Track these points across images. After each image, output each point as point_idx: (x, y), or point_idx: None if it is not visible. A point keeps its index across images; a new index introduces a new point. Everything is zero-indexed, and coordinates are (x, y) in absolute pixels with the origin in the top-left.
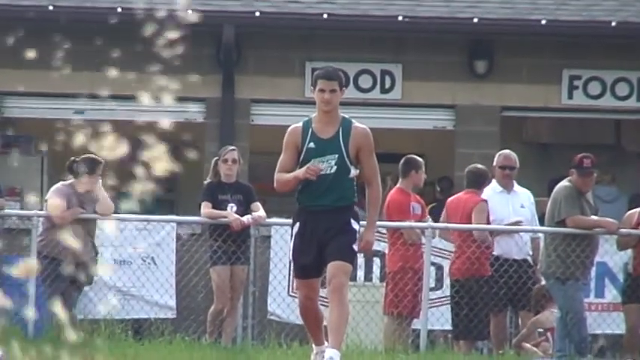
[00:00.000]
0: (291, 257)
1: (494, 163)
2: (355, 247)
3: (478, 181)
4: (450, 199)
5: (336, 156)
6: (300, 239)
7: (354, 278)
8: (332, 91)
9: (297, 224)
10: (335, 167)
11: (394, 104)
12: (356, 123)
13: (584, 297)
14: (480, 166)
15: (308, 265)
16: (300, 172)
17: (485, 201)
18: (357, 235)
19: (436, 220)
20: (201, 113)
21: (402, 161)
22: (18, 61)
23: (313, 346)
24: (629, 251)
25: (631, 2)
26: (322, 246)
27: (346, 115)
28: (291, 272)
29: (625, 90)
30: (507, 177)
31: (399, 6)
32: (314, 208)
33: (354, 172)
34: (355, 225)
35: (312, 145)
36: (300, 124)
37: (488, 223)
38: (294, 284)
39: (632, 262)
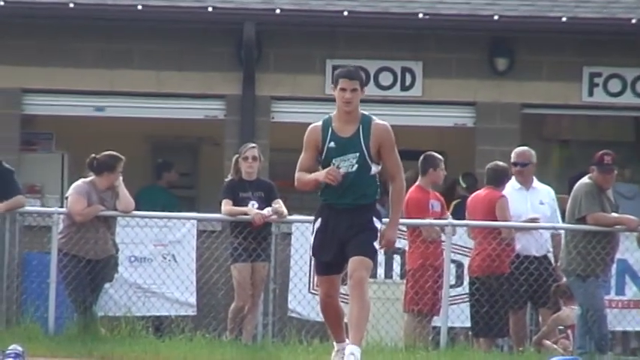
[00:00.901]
0: (311, 253)
1: (511, 160)
2: (376, 244)
3: (498, 178)
4: (470, 197)
5: (357, 154)
6: (322, 235)
7: (374, 275)
8: (353, 90)
9: (319, 220)
10: (356, 165)
11: (414, 101)
12: (376, 120)
13: (604, 294)
14: (500, 163)
15: (329, 262)
16: (320, 175)
17: (505, 196)
18: (379, 233)
19: (462, 217)
20: (221, 110)
21: (421, 158)
22: (39, 58)
23: (334, 343)
24: None
25: None
26: (343, 243)
27: (366, 112)
28: (312, 269)
29: None
30: (520, 173)
31: (419, 3)
32: (336, 206)
33: (375, 169)
34: (377, 223)
35: (332, 144)
36: (320, 122)
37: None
38: (315, 281)
39: None
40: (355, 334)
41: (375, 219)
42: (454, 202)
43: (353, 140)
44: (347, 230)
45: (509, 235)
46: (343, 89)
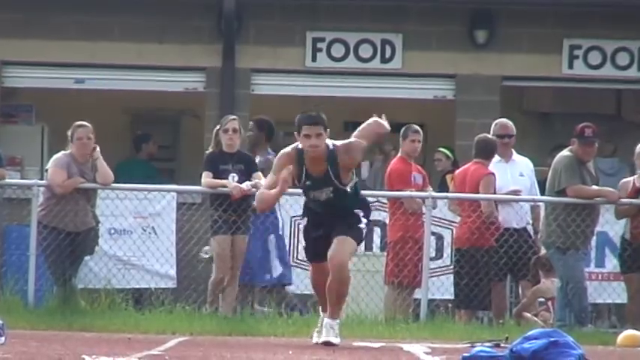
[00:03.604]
0: (304, 243)
1: (491, 133)
2: (363, 225)
3: (487, 151)
4: (458, 170)
5: (331, 188)
6: (310, 228)
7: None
8: (318, 135)
9: (306, 219)
10: (332, 194)
11: (394, 74)
12: (339, 150)
13: (584, 266)
14: (489, 135)
15: (319, 245)
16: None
17: (493, 174)
18: (365, 225)
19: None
20: (201, 83)
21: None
22: (19, 30)
23: (321, 312)
24: (624, 220)
25: None
26: (330, 228)
27: (329, 144)
28: (292, 241)
29: (626, 60)
30: (505, 146)
31: None
32: (318, 212)
33: (352, 184)
34: (363, 218)
35: (309, 182)
36: (294, 156)
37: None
38: (294, 253)
39: (628, 230)
40: (334, 310)
41: (361, 212)
42: (450, 175)
43: (324, 178)
44: (333, 219)
45: (491, 213)
46: (307, 135)
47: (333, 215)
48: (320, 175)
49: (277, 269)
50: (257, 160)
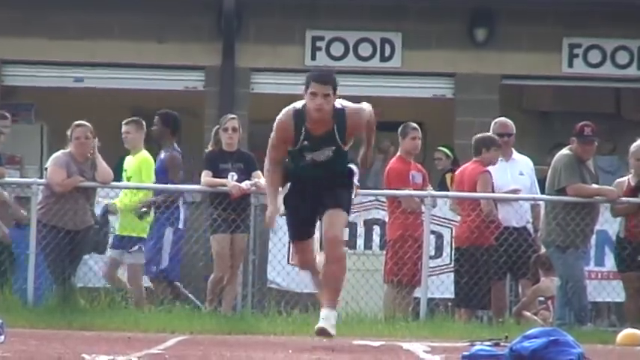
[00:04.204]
0: (285, 216)
1: (491, 131)
2: (353, 195)
3: (485, 144)
4: (458, 170)
5: (333, 148)
6: (293, 197)
7: (353, 246)
8: (325, 95)
9: (288, 185)
10: (332, 155)
11: (394, 72)
12: (350, 112)
13: (584, 265)
14: (488, 134)
15: (303, 219)
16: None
17: (489, 171)
18: (355, 189)
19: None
20: (201, 81)
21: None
22: (19, 29)
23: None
24: (620, 218)
25: None
26: (316, 199)
27: (338, 104)
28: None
29: (625, 58)
30: (505, 144)
31: None
32: (305, 178)
33: (348, 147)
34: (352, 166)
35: (306, 142)
36: (291, 116)
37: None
38: (294, 252)
39: (623, 229)
40: (331, 297)
41: (350, 170)
42: (450, 175)
43: (328, 138)
44: (320, 188)
45: (490, 211)
46: (314, 94)
47: (320, 183)
48: (322, 134)
49: (164, 263)
50: (162, 155)
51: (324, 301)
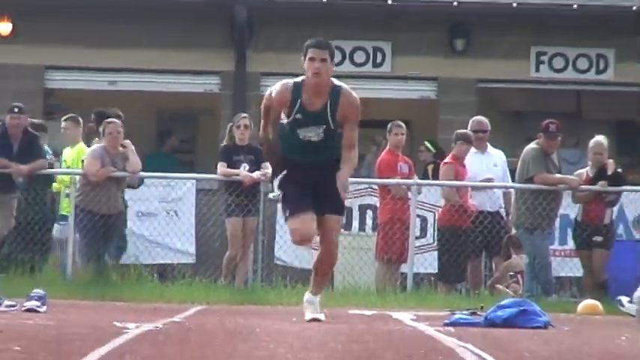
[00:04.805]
0: (281, 195)
1: (469, 128)
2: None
3: (462, 138)
4: (442, 163)
5: (323, 127)
6: (288, 179)
7: (349, 228)
8: (322, 60)
9: (284, 172)
10: (322, 135)
11: (384, 77)
12: (345, 91)
13: (549, 244)
14: (463, 130)
15: (300, 194)
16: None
17: (451, 163)
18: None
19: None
20: (216, 85)
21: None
22: (60, 39)
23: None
24: (578, 204)
25: None
26: (315, 189)
27: (337, 82)
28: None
29: (585, 64)
30: (480, 139)
31: None
32: (301, 163)
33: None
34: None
35: (299, 116)
36: (291, 88)
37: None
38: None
39: (580, 214)
40: (318, 287)
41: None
42: (431, 166)
43: (320, 115)
44: (318, 181)
45: (451, 196)
46: (312, 59)
47: (314, 172)
48: (315, 110)
49: None
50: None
51: (312, 288)
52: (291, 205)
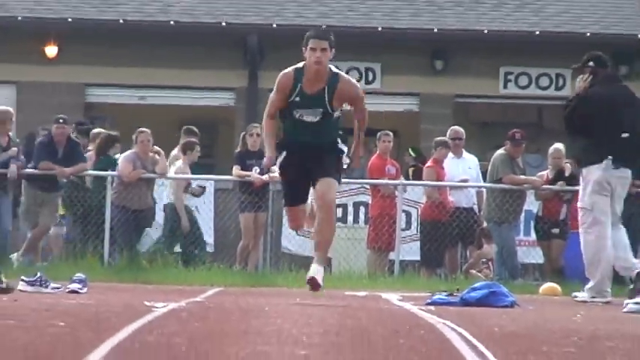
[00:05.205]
0: (280, 181)
1: (447, 136)
2: (344, 164)
3: (441, 145)
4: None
5: (321, 110)
6: (287, 166)
7: (345, 221)
8: (323, 50)
9: (284, 153)
10: (319, 117)
11: (375, 92)
12: (343, 77)
13: (515, 235)
14: (442, 138)
15: (297, 187)
16: (267, 153)
17: (432, 166)
18: (345, 155)
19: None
20: (232, 99)
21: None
22: (98, 60)
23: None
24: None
25: (549, 16)
26: (309, 168)
27: (335, 69)
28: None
29: (546, 82)
30: (457, 146)
31: (378, 20)
32: (300, 143)
33: (337, 114)
34: (342, 146)
35: (297, 98)
36: (292, 73)
37: (439, 180)
38: (288, 216)
39: (541, 210)
40: (320, 254)
41: (339, 144)
42: (412, 169)
43: (317, 98)
44: (313, 157)
45: (432, 194)
46: (313, 49)
47: (311, 153)
48: (313, 94)
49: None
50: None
51: (315, 257)
52: (287, 197)
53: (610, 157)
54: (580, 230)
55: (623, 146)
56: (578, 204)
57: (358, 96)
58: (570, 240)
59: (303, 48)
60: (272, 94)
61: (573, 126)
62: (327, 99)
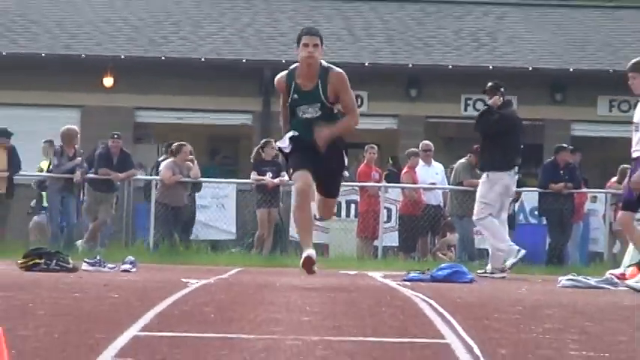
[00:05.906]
0: (287, 152)
1: (419, 148)
2: (343, 177)
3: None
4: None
5: (318, 105)
6: (297, 140)
7: (339, 215)
8: (314, 45)
9: (295, 132)
10: (320, 112)
11: (363, 114)
12: (332, 69)
13: (472, 227)
14: (414, 149)
15: (305, 157)
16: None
17: (408, 172)
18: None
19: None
20: (249, 120)
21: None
22: (145, 89)
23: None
24: None
25: (500, 55)
26: (319, 165)
27: (325, 63)
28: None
29: None
30: (427, 156)
31: (365, 57)
32: (303, 140)
33: (337, 107)
34: (345, 159)
35: (295, 96)
36: (285, 75)
37: (414, 183)
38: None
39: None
40: (309, 241)
41: (344, 153)
42: (386, 173)
43: (313, 93)
44: (324, 159)
45: (411, 195)
46: (306, 44)
47: (316, 148)
48: (309, 89)
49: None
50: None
51: (307, 246)
52: (293, 165)
53: (516, 166)
54: (474, 218)
55: (520, 157)
56: (481, 199)
57: (344, 81)
58: (518, 230)
59: (296, 46)
60: (282, 98)
61: (488, 133)
62: (321, 91)
